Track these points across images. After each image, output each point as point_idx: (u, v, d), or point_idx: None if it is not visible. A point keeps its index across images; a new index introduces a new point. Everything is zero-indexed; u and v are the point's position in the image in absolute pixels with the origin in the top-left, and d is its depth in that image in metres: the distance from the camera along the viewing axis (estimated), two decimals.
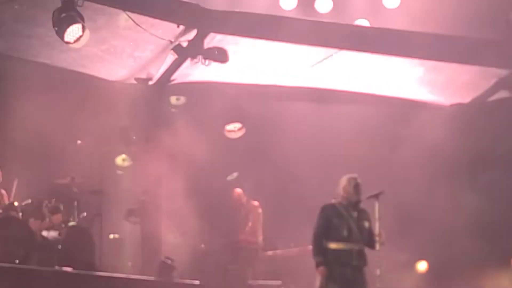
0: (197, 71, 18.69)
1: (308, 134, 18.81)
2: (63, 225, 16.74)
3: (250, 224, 18.69)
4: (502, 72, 20.18)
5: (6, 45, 17.94)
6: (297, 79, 19.93)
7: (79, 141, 17.88)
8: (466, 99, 20.86)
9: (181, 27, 17.74)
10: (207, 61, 17.66)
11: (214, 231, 19.13)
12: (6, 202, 16.59)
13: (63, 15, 15.88)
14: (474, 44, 19.60)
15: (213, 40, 17.89)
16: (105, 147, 18.71)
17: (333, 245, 14.05)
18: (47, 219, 16.64)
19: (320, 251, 14.06)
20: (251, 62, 18.82)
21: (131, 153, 19.14)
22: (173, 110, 19.76)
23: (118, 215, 18.56)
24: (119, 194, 18.69)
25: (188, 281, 17.25)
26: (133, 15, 17.04)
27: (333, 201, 14.42)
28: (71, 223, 16.87)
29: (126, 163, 19.12)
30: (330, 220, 14.17)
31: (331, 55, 18.91)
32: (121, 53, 18.39)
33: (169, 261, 17.27)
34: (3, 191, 16.84)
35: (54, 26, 16.03)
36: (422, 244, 18.65)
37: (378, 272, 14.39)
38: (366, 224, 14.31)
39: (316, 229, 14.22)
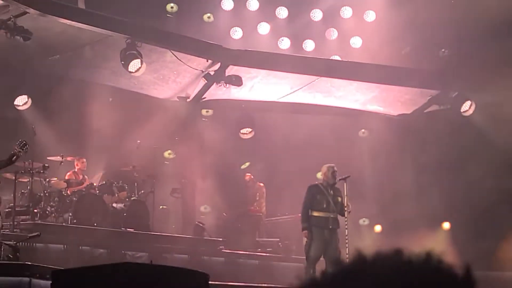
0: (220, 92, 18.73)
1: (296, 135, 18.83)
2: (127, 199, 16.97)
3: (257, 199, 18.80)
4: (434, 92, 20.14)
5: (88, 75, 18.06)
6: (290, 97, 19.92)
7: (138, 141, 17.98)
8: (409, 111, 20.85)
9: (209, 61, 17.94)
10: (227, 85, 17.93)
11: (232, 204, 19.16)
12: (88, 183, 16.88)
13: (128, 53, 16.35)
14: (414, 73, 19.78)
15: (232, 70, 18.02)
16: (156, 145, 18.78)
17: (315, 213, 14.46)
18: (116, 195, 16.89)
19: (306, 219, 14.46)
20: (258, 85, 18.88)
21: (174, 149, 19.24)
22: (204, 119, 19.80)
23: (165, 192, 18.59)
24: (166, 178, 18.73)
25: (214, 238, 17.44)
26: (176, 53, 17.26)
27: (317, 182, 14.83)
28: (133, 198, 17.08)
29: (171, 156, 19.28)
30: (314, 196, 14.57)
31: (314, 81, 19.01)
32: (168, 79, 18.54)
33: (201, 225, 17.54)
34: (86, 176, 17.15)
35: (121, 61, 16.46)
36: (377, 213, 18.65)
37: (346, 232, 14.71)
38: (339, 199, 14.70)
39: (304, 203, 14.62)
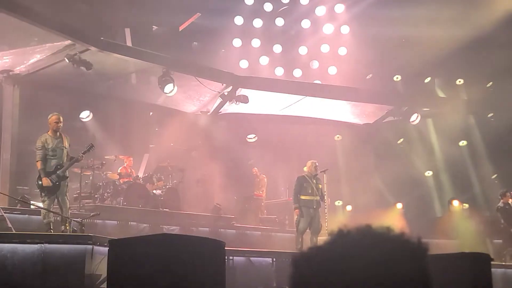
0: (232, 107, 18.69)
1: (288, 139, 18.84)
2: (163, 187, 16.85)
3: (260, 187, 18.82)
4: (390, 107, 20.12)
5: (134, 95, 17.98)
6: (283, 111, 19.90)
7: (171, 144, 17.99)
8: (371, 121, 20.86)
9: (224, 84, 17.91)
10: (237, 102, 17.90)
11: (241, 190, 19.11)
12: (134, 175, 16.86)
13: (163, 78, 16.27)
14: (374, 93, 19.75)
15: (240, 91, 17.95)
16: (185, 147, 18.78)
17: (303, 197, 14.44)
18: (155, 184, 16.81)
19: (297, 201, 14.46)
20: (260, 103, 18.81)
21: (198, 149, 19.20)
22: (221, 125, 19.70)
23: (191, 182, 18.59)
24: (192, 171, 18.70)
25: (228, 216, 17.37)
26: (199, 79, 17.17)
27: (303, 174, 14.80)
28: (168, 186, 17.00)
29: (195, 155, 19.21)
30: (302, 184, 14.55)
31: (301, 99, 18.99)
32: (193, 98, 18.50)
33: (218, 206, 17.48)
34: (133, 170, 17.12)
35: (159, 85, 16.36)
36: (348, 196, 18.55)
37: (326, 211, 14.73)
38: (320, 186, 14.66)
39: (294, 189, 14.63)
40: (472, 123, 21.07)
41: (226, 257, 7.16)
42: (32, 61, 15.57)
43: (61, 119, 12.28)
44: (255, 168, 19.10)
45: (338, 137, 20.56)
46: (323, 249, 1.33)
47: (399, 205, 19.91)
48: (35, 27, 13.79)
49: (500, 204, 17.70)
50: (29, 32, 14.05)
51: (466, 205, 20.62)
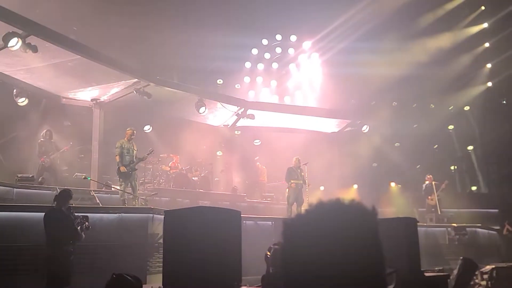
0: (244, 122, 18.34)
1: (281, 143, 18.59)
2: (199, 175, 16.70)
3: (263, 174, 18.76)
4: (349, 121, 19.90)
5: (180, 114, 17.77)
6: (278, 124, 19.80)
7: (204, 146, 17.92)
8: (336, 130, 20.72)
9: (238, 107, 17.77)
10: (247, 118, 17.82)
11: (250, 177, 19.00)
12: (180, 167, 16.78)
13: (198, 103, 16.14)
14: (339, 111, 19.66)
15: (248, 111, 17.78)
16: (213, 148, 18.73)
17: (292, 181, 14.37)
18: (193, 173, 16.70)
19: (288, 182, 14.36)
20: (262, 119, 18.63)
21: (221, 150, 19.10)
22: (236, 133, 19.56)
23: (217, 171, 18.49)
24: (218, 164, 18.62)
25: (242, 194, 17.30)
26: (222, 103, 17.15)
27: (291, 165, 14.72)
28: (202, 175, 16.85)
29: (220, 154, 19.12)
30: (291, 172, 14.53)
31: (290, 116, 18.96)
32: (218, 116, 18.22)
33: (235, 187, 17.46)
34: (179, 164, 17.03)
35: (195, 108, 16.17)
36: (321, 180, 18.24)
37: (306, 190, 14.64)
38: (303, 174, 14.58)
39: (286, 175, 14.56)
40: (403, 131, 21.09)
41: (241, 221, 7.17)
42: (112, 92, 15.57)
43: (135, 133, 12.62)
44: (258, 163, 19.02)
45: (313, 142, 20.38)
46: (305, 215, 1.31)
47: (355, 186, 19.95)
48: (114, 70, 13.86)
49: (423, 185, 17.77)
50: (110, 74, 14.06)
51: (399, 185, 20.67)
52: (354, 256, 1.23)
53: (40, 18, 12.02)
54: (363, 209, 1.30)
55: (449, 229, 16.29)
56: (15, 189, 11.83)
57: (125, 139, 12.58)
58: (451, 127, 22.92)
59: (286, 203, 14.73)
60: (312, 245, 1.24)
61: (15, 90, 13.94)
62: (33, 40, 11.32)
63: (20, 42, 11.01)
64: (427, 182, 17.64)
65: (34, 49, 11.29)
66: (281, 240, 1.32)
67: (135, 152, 12.57)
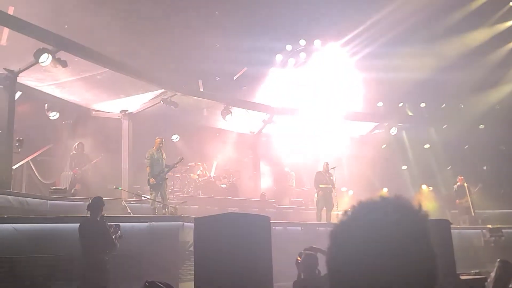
0: (270, 128, 18.32)
1: (310, 148, 18.34)
2: (227, 183, 16.78)
3: (290, 180, 18.65)
4: (376, 123, 19.75)
5: (206, 122, 17.87)
6: (305, 128, 19.53)
7: (231, 153, 17.94)
8: (364, 133, 20.31)
9: (265, 113, 17.76)
10: (273, 124, 17.77)
11: (278, 183, 18.87)
12: (208, 175, 16.87)
13: (224, 111, 16.18)
14: (367, 114, 19.33)
15: (274, 117, 17.77)
16: (240, 155, 18.72)
17: (321, 185, 14.34)
18: (222, 180, 16.81)
19: (317, 187, 14.29)
20: (289, 125, 18.47)
21: (248, 157, 19.08)
22: (262, 141, 19.47)
23: (245, 178, 18.42)
24: (245, 171, 18.54)
25: (270, 200, 17.07)
26: (249, 110, 17.20)
27: (320, 170, 14.67)
28: (229, 182, 16.89)
29: (247, 160, 19.06)
30: (319, 176, 14.42)
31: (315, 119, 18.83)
32: (245, 123, 18.14)
33: (263, 193, 17.32)
34: (207, 172, 17.13)
35: (221, 115, 16.23)
36: (350, 184, 17.93)
37: (335, 194, 14.54)
38: (331, 178, 14.53)
39: (315, 180, 14.49)
40: (432, 132, 20.78)
41: (270, 227, 7.15)
42: (139, 103, 15.76)
43: (163, 141, 12.76)
44: (286, 168, 18.92)
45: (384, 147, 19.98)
46: (349, 220, 1.24)
47: (385, 189, 19.67)
48: (142, 81, 14.05)
49: (455, 186, 17.43)
50: (137, 85, 14.25)
51: (431, 187, 20.33)
52: (405, 258, 1.17)
53: (68, 32, 12.28)
54: (410, 208, 1.23)
55: (484, 230, 15.94)
56: (49, 201, 12.06)
57: (154, 148, 12.74)
58: (482, 126, 22.44)
59: (315, 208, 14.67)
60: (361, 251, 1.18)
61: (46, 105, 14.30)
62: (62, 55, 11.59)
63: (50, 58, 11.29)
64: (458, 183, 17.30)
65: (64, 64, 11.56)
66: (328, 248, 1.26)
67: (164, 160, 12.70)
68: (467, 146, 22.48)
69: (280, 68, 21.37)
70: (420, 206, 1.24)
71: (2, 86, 12.18)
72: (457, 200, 16.98)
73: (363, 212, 1.23)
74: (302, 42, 21.68)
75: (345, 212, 1.26)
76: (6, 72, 12.11)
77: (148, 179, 12.45)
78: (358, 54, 20.70)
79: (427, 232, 1.22)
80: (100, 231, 7.66)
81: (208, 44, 18.33)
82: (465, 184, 17.05)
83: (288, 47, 21.57)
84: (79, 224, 7.89)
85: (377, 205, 1.23)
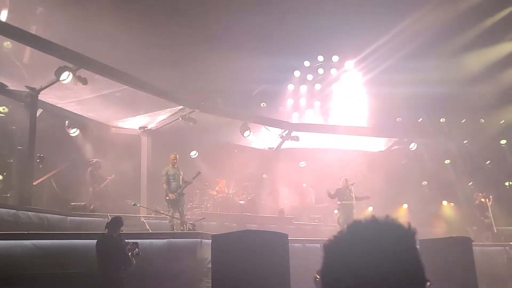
0: (288, 144, 18.15)
1: (328, 163, 18.08)
2: (246, 199, 16.68)
3: (309, 196, 18.48)
4: (395, 139, 19.50)
5: (225, 138, 17.79)
6: (323, 144, 19.37)
7: (250, 170, 17.91)
8: (382, 149, 20.13)
9: (283, 129, 17.70)
10: (292, 140, 17.70)
11: (297, 199, 18.60)
12: (227, 191, 16.80)
13: (242, 127, 16.14)
14: (384, 129, 19.17)
15: (293, 133, 17.70)
16: (258, 172, 18.62)
17: (343, 202, 14.11)
18: (240, 197, 16.75)
19: (338, 203, 14.11)
20: (307, 140, 18.37)
21: (267, 173, 19.01)
22: (281, 157, 19.28)
23: (264, 194, 18.34)
24: (264, 188, 18.45)
25: (289, 216, 16.85)
26: (267, 126, 17.14)
27: (340, 186, 14.53)
28: (248, 198, 16.78)
29: (265, 177, 18.97)
30: (340, 193, 14.26)
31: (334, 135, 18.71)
32: (263, 139, 18.13)
33: (282, 210, 17.15)
34: (225, 188, 17.06)
35: (240, 132, 16.23)
36: (370, 201, 17.64)
37: (355, 210, 14.35)
38: (351, 194, 14.35)
39: (334, 195, 14.32)
40: (453, 147, 20.52)
41: (289, 244, 7.05)
42: (158, 120, 15.87)
43: (177, 157, 12.72)
44: (305, 184, 18.78)
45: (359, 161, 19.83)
46: (340, 236, 1.33)
47: (405, 205, 19.41)
48: (161, 98, 14.14)
49: (476, 202, 17.11)
50: (156, 102, 14.35)
51: (452, 204, 20.03)
52: (392, 277, 1.21)
53: (88, 50, 12.43)
54: (399, 228, 1.28)
55: (507, 247, 15.58)
56: (68, 217, 12.13)
57: (170, 165, 12.76)
58: (503, 141, 22.09)
59: (337, 224, 14.50)
60: (350, 266, 1.25)
61: (67, 122, 14.51)
62: (83, 73, 11.74)
63: (71, 76, 11.46)
64: (477, 200, 17.01)
65: (84, 81, 11.72)
66: (321, 263, 1.33)
67: (181, 176, 12.69)
68: (488, 162, 22.13)
69: (298, 84, 21.43)
70: (409, 225, 1.29)
71: (24, 104, 12.45)
72: (481, 217, 16.68)
73: (353, 231, 1.31)
74: (320, 58, 21.72)
75: (340, 231, 1.34)
76: (28, 90, 12.37)
77: (166, 196, 12.46)
78: (376, 69, 20.62)
79: (415, 248, 1.28)
80: (116, 248, 7.67)
81: (226, 60, 18.39)
82: (485, 200, 16.75)
83: (306, 63, 21.61)
84: (96, 240, 7.90)
85: (369, 224, 1.29)
